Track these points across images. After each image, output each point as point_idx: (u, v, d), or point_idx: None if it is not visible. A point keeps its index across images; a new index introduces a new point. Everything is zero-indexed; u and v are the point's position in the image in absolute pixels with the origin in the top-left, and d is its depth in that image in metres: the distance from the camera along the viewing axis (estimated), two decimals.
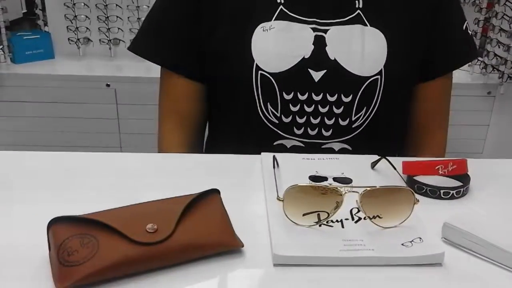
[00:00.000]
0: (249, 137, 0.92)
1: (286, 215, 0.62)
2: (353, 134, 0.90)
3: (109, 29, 2.74)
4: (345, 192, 0.61)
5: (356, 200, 0.62)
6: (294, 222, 0.62)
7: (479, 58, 2.37)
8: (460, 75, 2.48)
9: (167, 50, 0.93)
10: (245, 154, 0.83)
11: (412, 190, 0.62)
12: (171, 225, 0.55)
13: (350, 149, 0.91)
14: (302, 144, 0.90)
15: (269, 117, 0.89)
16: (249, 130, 0.92)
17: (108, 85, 2.49)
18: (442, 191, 0.73)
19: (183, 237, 0.55)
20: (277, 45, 0.86)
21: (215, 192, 0.62)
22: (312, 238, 0.60)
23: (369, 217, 0.62)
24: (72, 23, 2.71)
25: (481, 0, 2.27)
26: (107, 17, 2.69)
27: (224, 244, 0.57)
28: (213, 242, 0.57)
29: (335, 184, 0.72)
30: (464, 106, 2.40)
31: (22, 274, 0.54)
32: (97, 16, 2.69)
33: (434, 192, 0.73)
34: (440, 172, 0.75)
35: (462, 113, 2.38)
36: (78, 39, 2.73)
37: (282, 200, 0.61)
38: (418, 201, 0.62)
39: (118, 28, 2.75)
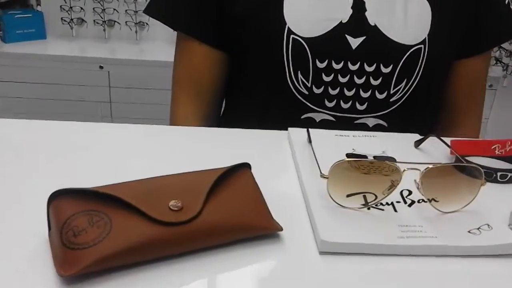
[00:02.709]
0: (274, 110, 0.82)
1: (330, 196, 0.52)
2: (389, 109, 0.81)
3: (104, 9, 2.64)
4: (405, 170, 0.51)
5: (415, 180, 0.52)
6: (339, 204, 0.53)
7: None
8: None
9: (185, 13, 0.83)
10: (268, 129, 0.73)
11: (481, 169, 0.53)
12: (199, 202, 0.46)
13: (386, 125, 0.82)
14: (333, 118, 0.81)
15: (299, 87, 0.79)
16: (275, 102, 0.82)
17: (101, 67, 2.39)
18: (499, 174, 0.64)
19: (213, 217, 0.45)
20: (312, 7, 0.77)
21: (245, 166, 0.53)
22: (362, 222, 0.51)
23: (428, 199, 0.53)
24: (65, 2, 2.60)
25: None
26: None
27: (260, 227, 0.48)
28: (248, 224, 0.47)
29: None
30: None
31: (15, 260, 0.44)
32: None
33: (489, 175, 0.63)
34: (497, 152, 0.66)
35: None
36: (72, 19, 2.63)
37: (327, 178, 0.52)
38: (486, 182, 0.53)
39: (114, 9, 2.66)
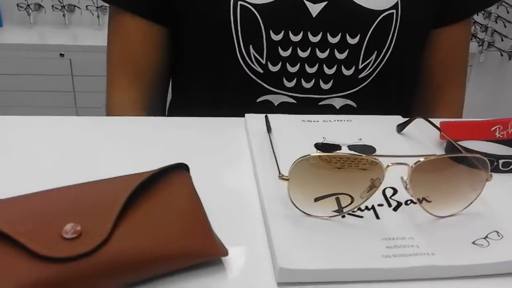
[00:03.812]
0: (225, 93, 0.70)
1: (292, 202, 0.40)
2: (358, 87, 0.69)
3: None
4: (388, 165, 0.39)
5: (401, 177, 0.40)
6: (305, 212, 0.41)
7: None
8: None
9: None
10: (220, 117, 0.61)
11: (486, 159, 0.41)
12: (107, 223, 0.33)
13: (355, 106, 0.70)
14: (293, 101, 0.68)
15: (252, 66, 0.66)
16: (226, 84, 0.69)
17: (62, 55, 2.25)
18: (501, 162, 0.52)
19: (127, 243, 0.33)
20: None
21: (181, 168, 0.40)
22: (335, 238, 0.39)
23: (418, 199, 0.41)
24: None
25: None
26: None
27: (197, 253, 0.35)
28: (180, 249, 0.34)
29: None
30: None
31: None
32: None
33: (490, 163, 0.52)
34: (498, 135, 0.54)
35: None
36: (28, 5, 2.48)
37: (287, 179, 0.40)
38: (491, 176, 0.42)
39: None
